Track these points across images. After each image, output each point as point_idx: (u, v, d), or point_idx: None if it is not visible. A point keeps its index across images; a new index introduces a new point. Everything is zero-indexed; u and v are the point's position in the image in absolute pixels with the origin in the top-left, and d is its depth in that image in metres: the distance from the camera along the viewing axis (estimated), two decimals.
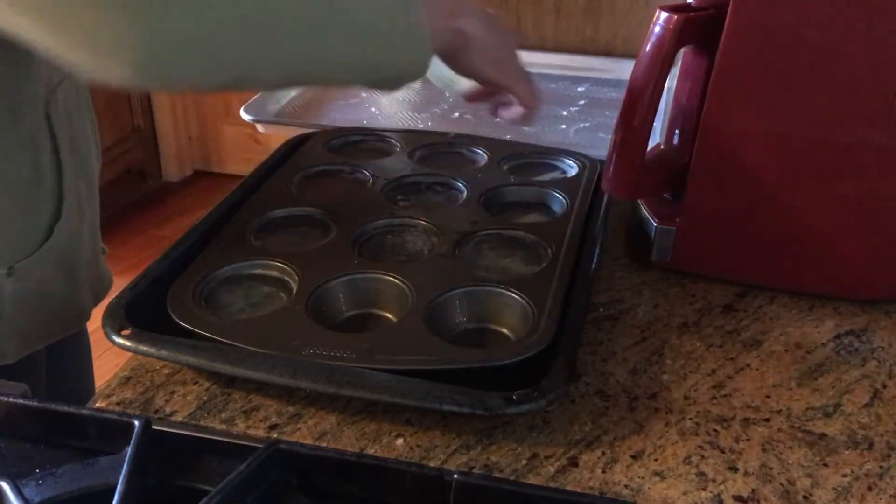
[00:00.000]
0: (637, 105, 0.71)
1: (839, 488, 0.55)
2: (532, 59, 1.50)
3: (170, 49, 0.46)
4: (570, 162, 0.91)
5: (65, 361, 0.85)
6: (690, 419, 0.60)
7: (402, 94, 1.31)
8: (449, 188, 0.86)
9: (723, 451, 0.58)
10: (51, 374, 0.82)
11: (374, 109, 1.28)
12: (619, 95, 0.75)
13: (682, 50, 0.75)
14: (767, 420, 0.61)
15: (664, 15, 0.70)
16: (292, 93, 1.25)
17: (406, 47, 0.58)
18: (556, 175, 0.90)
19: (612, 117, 1.16)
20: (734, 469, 0.56)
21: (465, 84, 0.72)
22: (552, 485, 0.54)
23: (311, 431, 0.58)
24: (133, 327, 0.61)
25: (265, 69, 0.53)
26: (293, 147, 0.94)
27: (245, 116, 1.21)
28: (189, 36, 0.47)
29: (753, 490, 0.54)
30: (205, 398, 0.61)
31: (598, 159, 0.88)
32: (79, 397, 0.75)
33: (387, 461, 0.51)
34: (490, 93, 0.75)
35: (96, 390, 0.64)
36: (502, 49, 0.68)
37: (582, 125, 1.20)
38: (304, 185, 0.86)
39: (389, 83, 0.61)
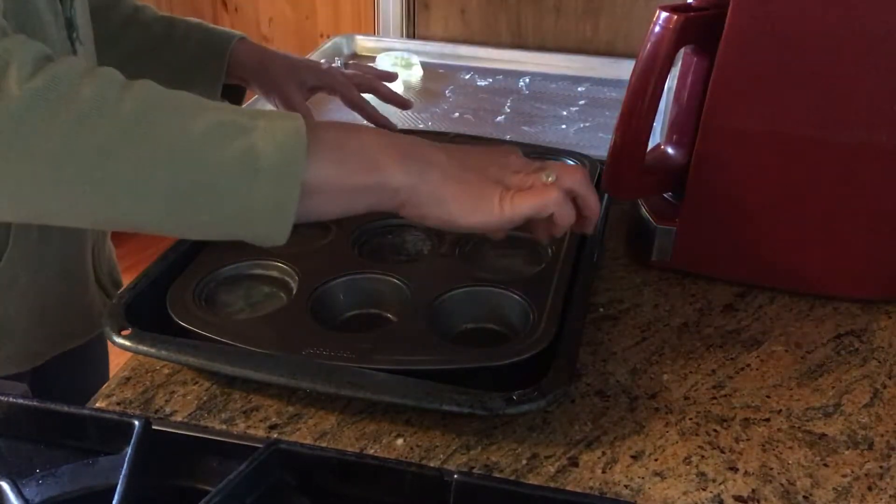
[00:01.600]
0: (637, 105, 0.71)
1: (839, 488, 0.55)
2: (532, 60, 1.51)
3: None
4: (570, 162, 0.91)
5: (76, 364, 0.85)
6: (690, 419, 0.60)
7: (401, 94, 1.31)
8: None
9: (723, 452, 0.58)
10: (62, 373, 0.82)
11: None
12: (619, 95, 0.75)
13: (682, 50, 0.75)
14: (767, 420, 0.61)
15: (664, 15, 0.70)
16: None
17: (257, 220, 0.50)
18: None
19: (612, 117, 1.16)
20: (734, 469, 0.56)
21: None
22: (552, 485, 0.54)
23: (311, 431, 0.58)
24: (133, 327, 0.61)
25: (74, 216, 0.51)
26: None
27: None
28: None
29: (753, 490, 0.54)
30: (205, 398, 0.61)
31: (598, 159, 0.88)
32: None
33: (387, 461, 0.51)
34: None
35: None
36: (475, 184, 0.56)
37: (582, 125, 1.20)
38: None
39: (248, 240, 0.53)
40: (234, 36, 0.90)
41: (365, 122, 0.94)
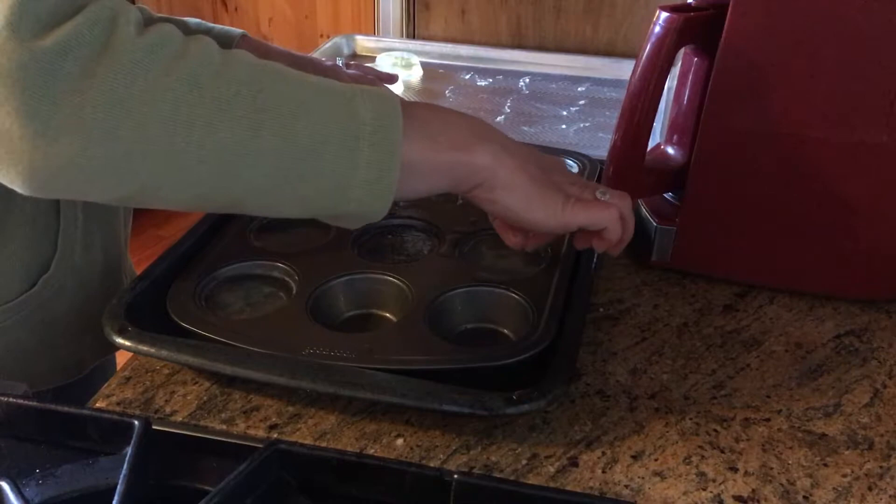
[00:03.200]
0: (637, 105, 0.71)
1: (839, 488, 0.55)
2: (532, 60, 1.51)
3: (56, 170, 0.44)
4: (571, 162, 0.91)
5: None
6: (691, 419, 0.60)
7: (401, 95, 1.31)
8: None
9: (723, 451, 0.58)
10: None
11: None
12: (619, 95, 0.75)
13: (682, 50, 0.75)
14: (768, 420, 0.61)
15: (664, 15, 0.70)
16: None
17: (357, 190, 0.49)
18: None
19: (612, 117, 1.16)
20: (734, 469, 0.56)
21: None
22: (552, 485, 0.54)
23: (311, 431, 0.58)
24: (133, 327, 0.61)
25: (178, 198, 0.49)
26: None
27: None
28: (79, 161, 0.44)
29: (753, 490, 0.54)
30: (205, 398, 0.61)
31: (598, 159, 0.88)
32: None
33: (387, 461, 0.51)
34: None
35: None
36: (542, 180, 0.56)
37: (582, 125, 1.20)
38: None
39: (343, 223, 0.53)
40: (236, 33, 0.90)
41: None
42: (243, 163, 0.47)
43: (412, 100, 1.29)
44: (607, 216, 0.58)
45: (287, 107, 0.47)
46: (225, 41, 0.88)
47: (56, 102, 0.42)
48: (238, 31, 0.90)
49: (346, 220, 0.52)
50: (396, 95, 0.51)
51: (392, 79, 1.02)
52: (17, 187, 0.47)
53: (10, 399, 0.54)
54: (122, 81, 0.43)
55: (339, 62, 1.15)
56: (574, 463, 0.56)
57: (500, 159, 0.54)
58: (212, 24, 0.91)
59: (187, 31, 0.89)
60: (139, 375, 0.63)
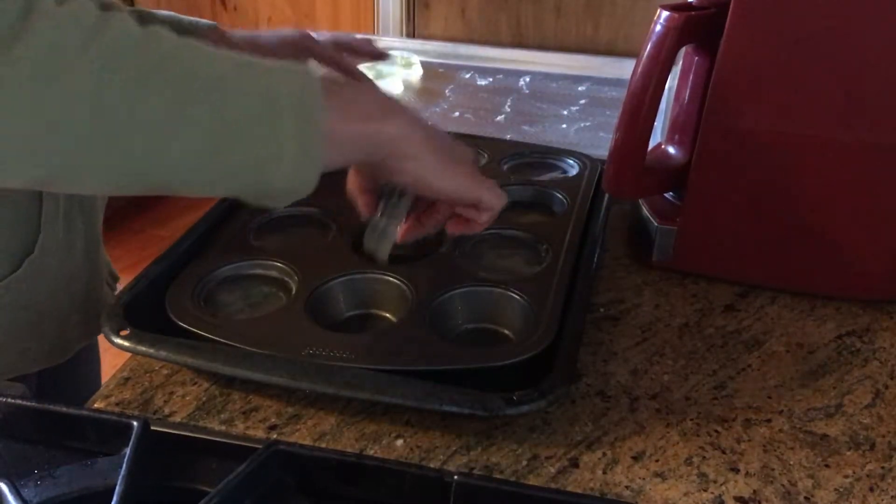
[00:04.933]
0: (638, 104, 0.71)
1: (841, 489, 0.55)
2: (533, 59, 1.50)
3: None
4: (571, 161, 0.91)
5: (60, 377, 0.85)
6: (691, 420, 0.60)
7: (401, 94, 1.31)
8: None
9: (724, 452, 0.57)
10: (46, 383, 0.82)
11: None
12: (620, 95, 0.75)
13: (683, 49, 0.75)
14: (769, 421, 0.60)
15: (665, 14, 0.70)
16: None
17: (285, 162, 0.49)
18: (556, 175, 0.90)
19: (612, 117, 1.16)
20: (735, 470, 0.56)
21: (385, 250, 0.64)
22: (553, 486, 0.54)
23: (310, 432, 0.58)
24: (132, 327, 0.60)
25: (100, 179, 0.47)
26: None
27: None
28: None
29: (755, 491, 0.54)
30: (204, 399, 0.61)
31: (598, 159, 0.88)
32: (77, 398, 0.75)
33: (387, 462, 0.51)
34: (430, 213, 0.63)
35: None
36: (447, 152, 0.58)
37: (582, 125, 1.20)
38: None
39: (269, 201, 0.53)
40: (204, 24, 0.89)
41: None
42: (166, 137, 0.46)
43: (409, 97, 1.29)
44: (497, 195, 0.60)
45: (209, 81, 0.47)
46: (192, 31, 0.88)
47: None
48: (207, 22, 0.90)
49: (274, 197, 0.52)
50: (313, 69, 0.51)
51: (383, 55, 0.99)
52: None
53: (9, 399, 0.53)
54: (41, 54, 0.42)
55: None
56: (575, 464, 0.56)
57: (408, 131, 0.55)
58: (182, 16, 0.91)
59: (159, 21, 0.89)
60: (138, 376, 0.63)
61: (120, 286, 0.69)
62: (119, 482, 0.46)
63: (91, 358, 0.92)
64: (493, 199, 0.60)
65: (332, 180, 0.87)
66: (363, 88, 0.56)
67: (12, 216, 0.68)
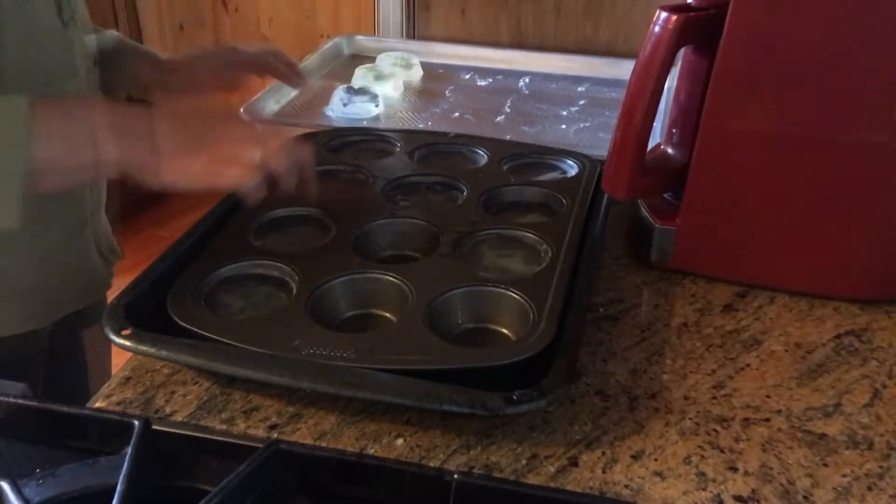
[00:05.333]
0: (637, 105, 0.71)
1: (839, 488, 0.55)
2: (532, 60, 1.51)
3: None
4: (571, 162, 0.91)
5: (62, 365, 0.85)
6: (690, 419, 0.60)
7: (401, 95, 1.31)
8: (449, 188, 0.85)
9: (723, 451, 0.58)
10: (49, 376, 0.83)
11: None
12: (620, 95, 0.75)
13: (682, 50, 0.75)
14: (767, 420, 0.61)
15: (664, 15, 0.70)
16: (293, 93, 1.25)
17: None
18: (556, 175, 0.90)
19: (612, 117, 1.16)
20: (734, 469, 0.56)
21: None
22: (552, 485, 0.54)
23: (311, 431, 0.58)
24: (133, 327, 0.61)
25: None
26: None
27: (245, 117, 1.21)
28: None
29: (753, 490, 0.54)
30: (205, 398, 0.61)
31: (598, 159, 0.88)
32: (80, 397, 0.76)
33: (387, 461, 0.51)
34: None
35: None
36: (191, 146, 0.63)
37: (582, 125, 1.20)
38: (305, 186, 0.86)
39: None
40: (144, 50, 0.90)
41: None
42: None
43: (409, 98, 1.29)
44: (244, 178, 0.64)
45: None
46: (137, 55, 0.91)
47: None
48: (148, 49, 0.91)
49: None
50: (26, 107, 0.55)
51: (294, 78, 0.98)
52: None
53: (11, 399, 0.54)
54: None
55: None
56: (574, 463, 0.56)
57: (132, 148, 0.60)
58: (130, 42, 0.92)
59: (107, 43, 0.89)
60: (139, 375, 0.63)
61: (120, 286, 0.69)
62: (120, 481, 0.46)
63: (103, 350, 0.92)
64: (242, 181, 0.63)
65: (332, 182, 0.88)
66: (86, 116, 0.60)
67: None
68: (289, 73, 0.94)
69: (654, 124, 0.73)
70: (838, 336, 0.71)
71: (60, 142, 0.58)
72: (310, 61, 1.39)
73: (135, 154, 0.61)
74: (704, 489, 0.54)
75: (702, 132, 0.72)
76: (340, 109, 1.20)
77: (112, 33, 0.90)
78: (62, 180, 0.59)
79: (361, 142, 0.97)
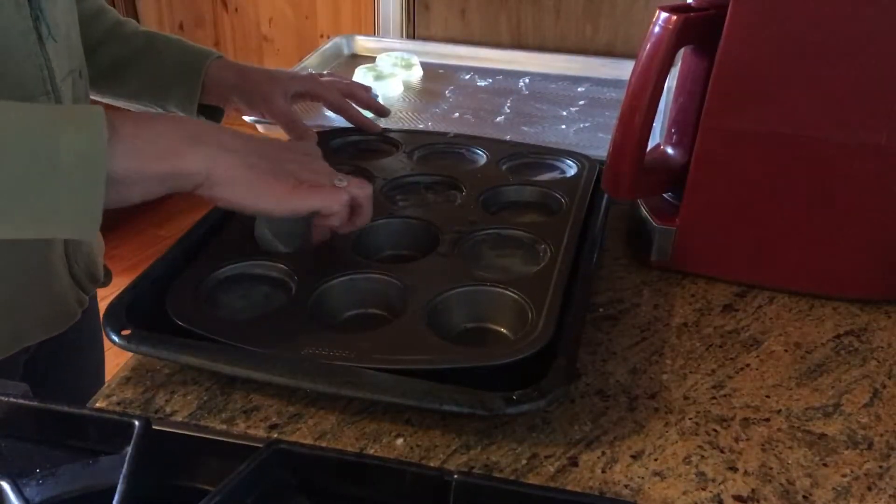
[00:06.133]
0: (637, 105, 0.71)
1: (839, 488, 0.55)
2: (532, 60, 1.51)
3: None
4: (570, 162, 0.91)
5: (60, 366, 0.85)
6: (690, 419, 0.61)
7: (401, 95, 1.31)
8: (448, 188, 0.86)
9: (722, 451, 0.58)
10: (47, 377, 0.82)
11: None
12: (619, 95, 0.75)
13: (682, 50, 0.75)
14: (767, 420, 0.61)
15: (664, 15, 0.70)
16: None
17: (63, 215, 0.52)
18: (555, 175, 0.90)
19: (611, 117, 1.16)
20: (734, 469, 0.56)
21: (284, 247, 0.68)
22: (552, 485, 0.54)
23: (311, 431, 0.58)
24: (133, 327, 0.61)
25: None
26: None
27: (245, 117, 1.22)
28: None
29: (753, 490, 0.55)
30: (205, 398, 0.61)
31: (597, 159, 0.88)
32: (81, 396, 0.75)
33: (387, 461, 0.51)
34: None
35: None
36: (268, 171, 0.61)
37: (582, 125, 1.20)
38: None
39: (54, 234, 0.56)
40: (212, 54, 0.91)
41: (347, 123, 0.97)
42: None
43: (409, 98, 1.29)
44: (333, 199, 0.63)
45: None
46: (199, 60, 0.90)
47: None
48: (214, 52, 0.92)
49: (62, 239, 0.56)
50: (102, 116, 0.53)
51: (367, 88, 1.02)
52: None
53: (11, 399, 0.54)
54: None
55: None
56: (574, 463, 0.56)
57: (214, 160, 0.58)
58: (190, 43, 0.92)
59: (166, 45, 0.90)
60: (139, 375, 0.63)
61: (120, 286, 0.69)
62: (121, 481, 0.46)
63: (95, 347, 0.92)
64: (332, 202, 0.62)
65: None
66: (163, 124, 0.58)
67: None
68: (369, 123, 0.96)
69: (654, 124, 0.73)
70: (838, 336, 0.71)
71: (141, 150, 0.55)
72: (310, 61, 1.39)
73: (217, 168, 0.58)
74: (704, 489, 0.55)
75: (702, 132, 0.72)
76: None
77: (139, 29, 0.90)
78: (142, 191, 0.56)
79: (361, 142, 0.97)
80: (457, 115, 1.24)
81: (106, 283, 0.87)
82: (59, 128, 0.51)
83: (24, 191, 0.50)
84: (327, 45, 1.49)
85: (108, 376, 0.66)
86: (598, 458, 0.57)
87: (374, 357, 0.58)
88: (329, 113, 1.21)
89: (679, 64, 0.78)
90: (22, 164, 0.50)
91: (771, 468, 0.56)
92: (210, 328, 0.62)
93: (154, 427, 0.51)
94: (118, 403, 0.61)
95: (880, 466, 0.57)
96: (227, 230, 0.76)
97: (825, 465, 0.57)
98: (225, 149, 0.58)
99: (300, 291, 0.67)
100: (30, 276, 0.75)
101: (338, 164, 0.90)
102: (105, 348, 0.94)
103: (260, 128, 1.28)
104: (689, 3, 0.72)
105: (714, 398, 0.63)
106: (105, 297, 0.82)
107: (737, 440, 0.59)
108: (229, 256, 0.71)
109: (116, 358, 0.64)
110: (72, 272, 0.80)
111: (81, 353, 0.90)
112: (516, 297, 0.65)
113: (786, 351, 0.68)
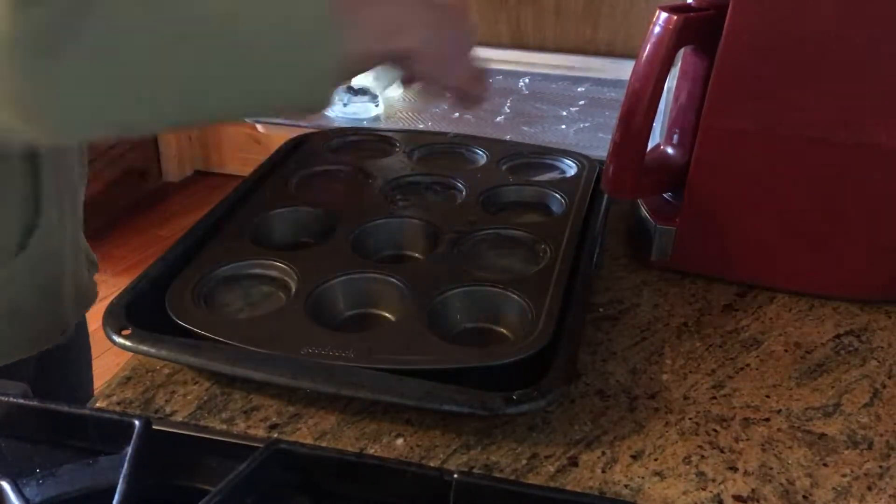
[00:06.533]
0: (637, 105, 0.71)
1: (839, 488, 0.55)
2: (532, 60, 1.51)
3: (66, 106, 0.47)
4: (570, 162, 0.91)
5: (54, 367, 0.84)
6: (690, 419, 0.60)
7: (401, 95, 1.31)
8: (448, 188, 0.86)
9: (722, 451, 0.58)
10: (42, 376, 0.82)
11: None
12: (619, 95, 0.75)
13: (682, 50, 0.75)
14: (767, 420, 0.61)
15: (664, 15, 0.70)
16: None
17: (305, 83, 0.53)
18: (555, 175, 0.90)
19: (612, 117, 1.17)
20: (734, 469, 0.56)
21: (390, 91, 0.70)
22: (552, 484, 0.54)
23: (311, 431, 0.58)
24: (133, 327, 0.61)
25: (151, 110, 0.51)
26: (293, 147, 0.94)
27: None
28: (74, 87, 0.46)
29: (753, 490, 0.55)
30: (205, 398, 0.61)
31: (597, 159, 0.88)
32: (73, 399, 0.75)
33: (387, 461, 0.51)
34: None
35: (96, 390, 0.64)
36: (448, 54, 0.64)
37: (582, 125, 1.20)
38: (304, 185, 0.86)
39: (293, 113, 0.58)
40: None
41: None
42: (203, 65, 0.50)
43: (409, 98, 1.29)
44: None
45: (224, 18, 0.50)
46: None
47: (55, 45, 0.44)
48: None
49: (292, 115, 0.57)
50: None
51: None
52: (32, 130, 0.49)
53: (11, 399, 0.54)
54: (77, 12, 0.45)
55: None
56: (574, 462, 0.56)
57: (421, 45, 0.59)
58: None
59: None
60: (139, 375, 0.63)
61: (120, 286, 0.69)
62: (120, 481, 0.46)
63: (81, 342, 0.91)
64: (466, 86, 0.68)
65: (332, 182, 0.88)
66: (387, 2, 0.59)
67: (18, 196, 0.68)
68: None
69: (654, 124, 0.73)
70: (838, 336, 0.71)
71: (367, 28, 0.56)
72: None
73: (425, 48, 0.59)
74: (704, 489, 0.55)
75: (702, 132, 0.72)
76: (340, 109, 1.20)
77: None
78: (362, 66, 0.57)
79: (361, 142, 0.97)
80: (457, 115, 1.24)
81: (93, 301, 0.85)
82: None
83: (264, 63, 0.51)
84: None
85: (108, 376, 0.66)
86: (598, 457, 0.57)
87: (374, 357, 0.58)
88: (329, 112, 1.21)
89: (679, 64, 0.78)
90: (262, 35, 0.51)
91: (771, 468, 0.56)
92: (210, 328, 0.62)
93: (154, 427, 0.51)
94: (118, 403, 0.61)
95: (880, 466, 0.57)
96: (227, 230, 0.76)
97: (825, 465, 0.57)
98: (429, 29, 0.60)
99: (299, 291, 0.67)
100: (71, 262, 0.75)
101: (338, 164, 0.91)
102: (105, 348, 0.94)
103: (260, 128, 1.28)
104: (689, 3, 0.72)
105: (714, 398, 0.63)
106: (105, 298, 0.82)
107: (737, 440, 0.59)
108: (228, 256, 0.71)
109: (116, 358, 0.63)
110: (70, 286, 0.78)
111: (69, 354, 0.89)
112: (516, 297, 0.65)
113: (786, 351, 0.68)
